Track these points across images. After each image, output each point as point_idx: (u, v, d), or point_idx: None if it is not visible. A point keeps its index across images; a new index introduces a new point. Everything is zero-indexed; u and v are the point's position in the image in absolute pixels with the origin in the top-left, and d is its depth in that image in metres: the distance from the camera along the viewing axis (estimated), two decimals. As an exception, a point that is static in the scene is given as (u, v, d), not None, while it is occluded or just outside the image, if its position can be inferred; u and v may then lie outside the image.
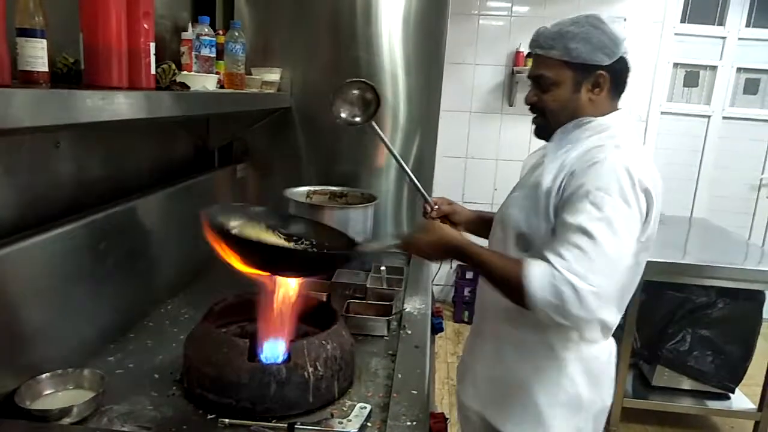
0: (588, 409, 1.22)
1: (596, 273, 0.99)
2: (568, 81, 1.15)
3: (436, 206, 1.49)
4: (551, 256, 1.01)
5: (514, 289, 1.03)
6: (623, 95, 1.20)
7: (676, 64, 3.97)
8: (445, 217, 1.49)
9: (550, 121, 1.19)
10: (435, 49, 2.12)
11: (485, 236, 1.39)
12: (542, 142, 1.26)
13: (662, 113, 4.00)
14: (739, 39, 3.92)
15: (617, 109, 1.19)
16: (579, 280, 0.98)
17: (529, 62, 1.25)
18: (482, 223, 1.46)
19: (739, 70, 3.98)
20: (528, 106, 1.24)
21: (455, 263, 3.89)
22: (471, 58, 3.82)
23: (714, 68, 3.98)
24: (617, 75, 1.15)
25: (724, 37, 3.93)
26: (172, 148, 1.91)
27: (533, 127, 1.25)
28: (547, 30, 1.16)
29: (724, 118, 4.03)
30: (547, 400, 1.19)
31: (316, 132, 2.19)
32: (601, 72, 1.13)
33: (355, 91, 1.57)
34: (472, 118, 3.92)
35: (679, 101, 4.04)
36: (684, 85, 4.04)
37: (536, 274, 1.00)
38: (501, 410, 1.24)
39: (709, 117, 4.03)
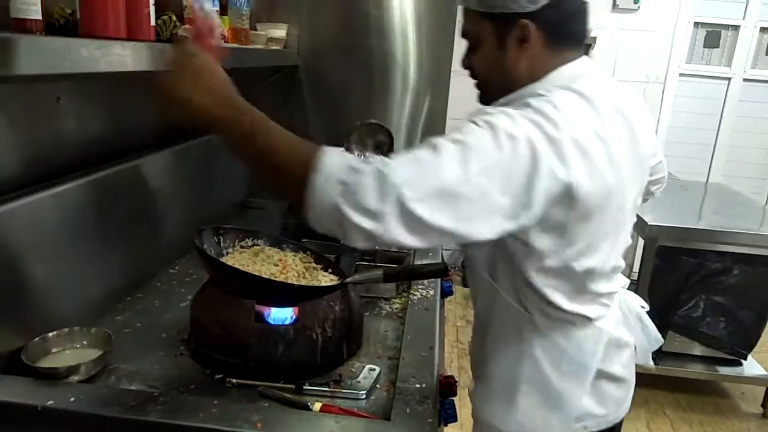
0: (568, 409, 1.02)
1: (416, 176, 0.77)
2: (490, 36, 0.93)
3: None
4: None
5: (297, 169, 0.79)
6: (580, 44, 0.95)
7: (696, 23, 3.82)
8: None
9: (483, 87, 0.99)
10: (447, 6, 2.04)
11: None
12: None
13: (681, 75, 3.88)
14: (764, -3, 3.76)
15: (567, 63, 0.93)
16: (387, 167, 0.77)
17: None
18: None
19: (762, 30, 3.83)
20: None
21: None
22: (484, 18, 3.70)
23: (736, 28, 3.83)
24: (551, 23, 0.91)
25: (748, -5, 3.77)
26: (176, 107, 1.86)
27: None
28: None
29: (745, 80, 3.90)
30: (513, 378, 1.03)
31: (324, 91, 2.14)
32: (525, 21, 0.90)
33: (368, 133, 1.51)
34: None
35: (699, 63, 3.91)
36: (704, 46, 3.90)
37: (336, 153, 0.80)
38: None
39: (729, 79, 3.90)
